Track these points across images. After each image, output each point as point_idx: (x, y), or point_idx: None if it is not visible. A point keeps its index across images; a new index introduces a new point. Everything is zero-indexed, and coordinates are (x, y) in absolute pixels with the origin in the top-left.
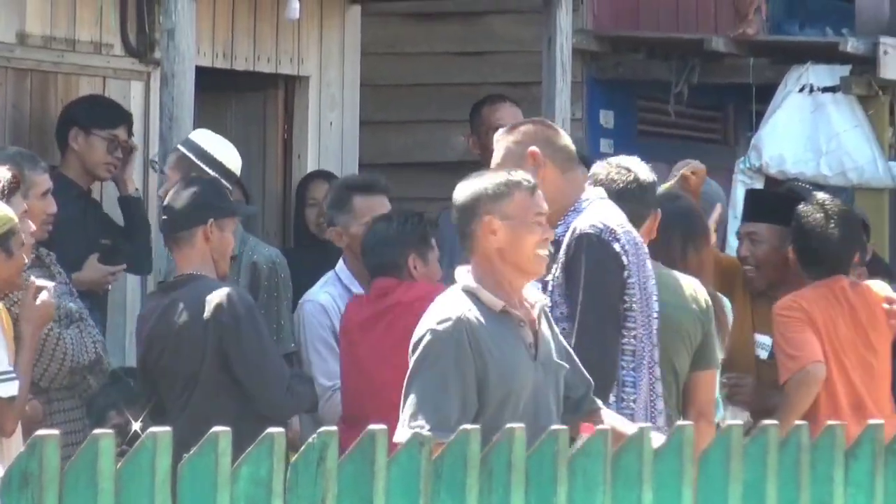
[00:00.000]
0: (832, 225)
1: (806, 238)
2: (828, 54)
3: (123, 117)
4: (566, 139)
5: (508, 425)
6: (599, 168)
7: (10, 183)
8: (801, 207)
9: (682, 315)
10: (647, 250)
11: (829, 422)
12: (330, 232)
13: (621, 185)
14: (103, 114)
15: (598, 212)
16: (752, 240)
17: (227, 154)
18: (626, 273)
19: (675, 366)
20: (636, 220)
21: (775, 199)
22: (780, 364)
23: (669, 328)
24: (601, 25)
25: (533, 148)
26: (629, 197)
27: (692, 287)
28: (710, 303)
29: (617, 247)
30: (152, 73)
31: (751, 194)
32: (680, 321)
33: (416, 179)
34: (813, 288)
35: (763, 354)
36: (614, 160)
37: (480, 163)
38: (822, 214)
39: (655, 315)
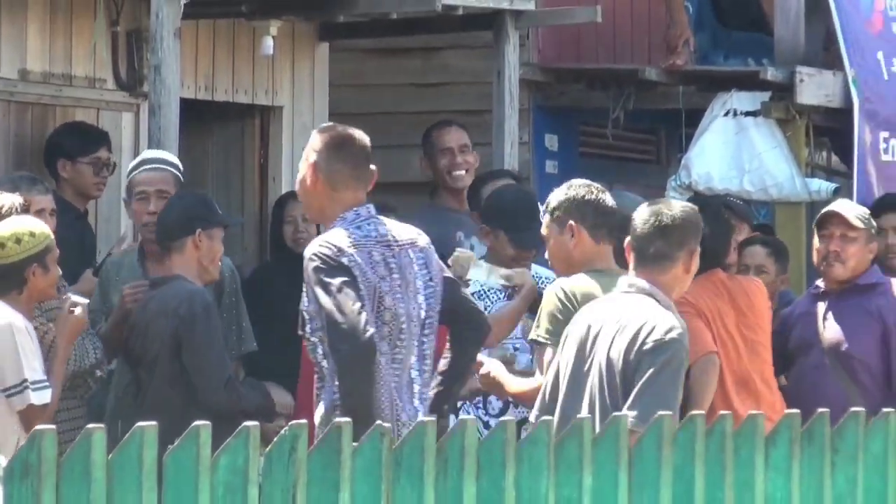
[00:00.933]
0: (703, 226)
1: None
2: (750, 82)
3: (102, 138)
4: (351, 160)
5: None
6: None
7: (21, 206)
8: None
9: None
10: (412, 261)
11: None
12: None
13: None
14: (84, 141)
15: (330, 233)
16: None
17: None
18: (358, 286)
19: None
20: (615, 233)
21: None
22: None
23: None
24: (545, 58)
25: (313, 159)
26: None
27: None
28: None
29: (345, 260)
30: (141, 105)
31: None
32: None
33: (380, 198)
34: (695, 283)
35: None
36: (577, 182)
37: (431, 182)
38: None
39: (414, 316)
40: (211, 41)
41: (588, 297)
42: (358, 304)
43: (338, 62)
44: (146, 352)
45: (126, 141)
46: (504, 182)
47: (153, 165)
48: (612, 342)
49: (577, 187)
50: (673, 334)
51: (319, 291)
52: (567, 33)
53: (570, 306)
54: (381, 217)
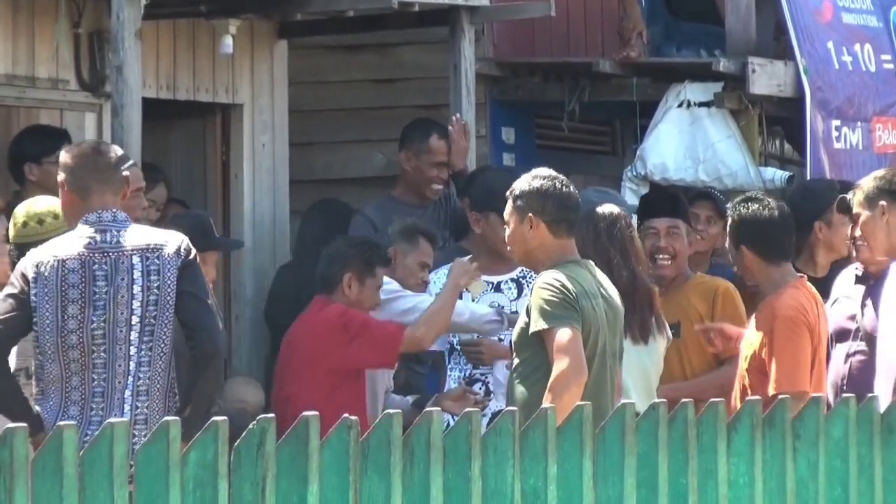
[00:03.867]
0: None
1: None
2: (703, 73)
3: (63, 137)
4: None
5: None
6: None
7: None
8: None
9: (619, 308)
10: (131, 268)
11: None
12: (390, 250)
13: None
14: (46, 141)
15: (46, 243)
16: (674, 234)
17: None
18: (33, 292)
19: (621, 349)
20: (574, 227)
21: (680, 199)
22: None
23: (616, 318)
24: (501, 53)
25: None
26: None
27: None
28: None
29: (30, 272)
30: (104, 105)
31: (657, 193)
32: (620, 312)
33: (338, 193)
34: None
35: None
36: (540, 173)
37: (404, 178)
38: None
39: (122, 322)
40: (171, 41)
41: (576, 286)
42: (4, 316)
43: (296, 59)
44: None
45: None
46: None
47: (132, 161)
48: None
49: (542, 178)
50: None
51: None
52: (521, 27)
53: (562, 291)
54: (118, 224)
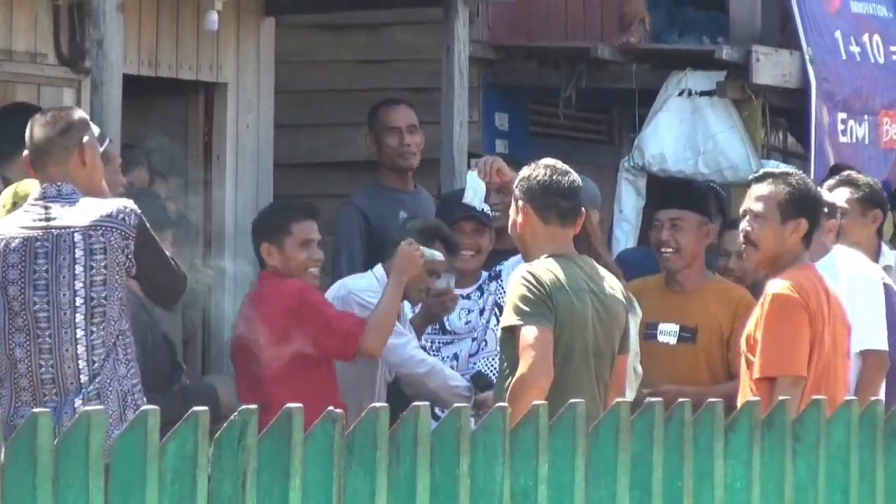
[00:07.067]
0: None
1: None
2: (705, 61)
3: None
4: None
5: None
6: (527, 169)
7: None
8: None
9: (617, 305)
10: (72, 246)
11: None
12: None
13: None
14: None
15: None
16: (677, 226)
17: None
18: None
19: (614, 349)
20: (568, 217)
21: (693, 189)
22: None
23: (610, 317)
24: (496, 35)
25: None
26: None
27: (615, 280)
28: (629, 294)
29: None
30: (83, 81)
31: (667, 183)
32: (617, 311)
33: (325, 177)
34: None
35: (672, 341)
36: (542, 161)
37: (377, 161)
38: None
39: (65, 304)
40: (154, 15)
41: (552, 280)
42: None
43: (284, 38)
44: None
45: None
46: None
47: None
48: None
49: (535, 167)
50: None
51: None
52: (518, 9)
53: (533, 285)
54: (63, 198)
